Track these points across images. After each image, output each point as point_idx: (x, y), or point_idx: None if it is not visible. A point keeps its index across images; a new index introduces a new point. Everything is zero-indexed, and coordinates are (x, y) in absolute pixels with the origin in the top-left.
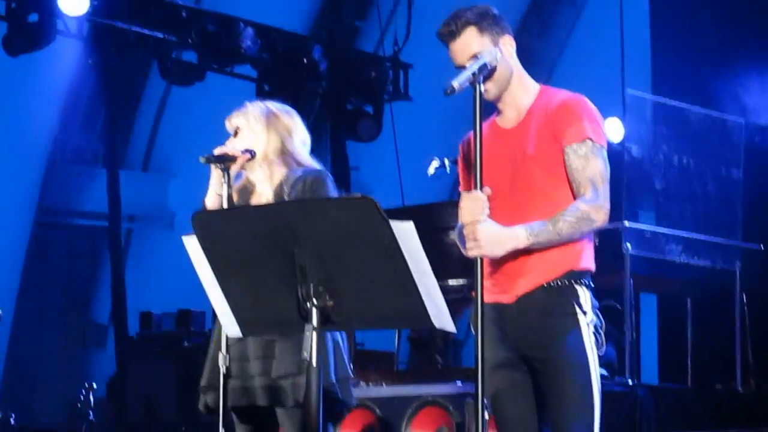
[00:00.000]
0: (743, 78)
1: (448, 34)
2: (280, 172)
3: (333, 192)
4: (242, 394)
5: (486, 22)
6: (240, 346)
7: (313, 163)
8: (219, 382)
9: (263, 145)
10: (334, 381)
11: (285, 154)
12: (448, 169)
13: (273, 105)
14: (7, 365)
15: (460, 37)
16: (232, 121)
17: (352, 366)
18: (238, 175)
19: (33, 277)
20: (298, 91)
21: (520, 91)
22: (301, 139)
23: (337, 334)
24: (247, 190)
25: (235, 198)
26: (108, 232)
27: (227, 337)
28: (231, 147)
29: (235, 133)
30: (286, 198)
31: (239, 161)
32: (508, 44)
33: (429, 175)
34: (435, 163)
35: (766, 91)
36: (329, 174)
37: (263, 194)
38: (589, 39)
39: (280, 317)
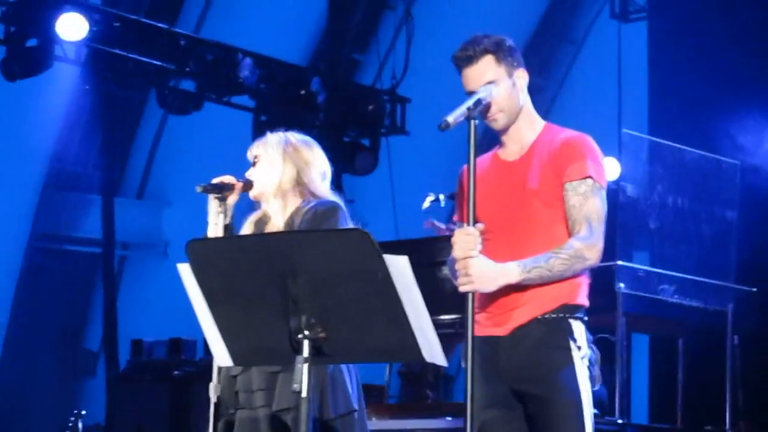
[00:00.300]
0: (739, 119)
1: (466, 59)
2: (293, 203)
3: (344, 224)
4: (249, 426)
5: (503, 52)
6: (245, 377)
7: (331, 196)
8: (228, 411)
9: (279, 175)
10: (333, 416)
11: (300, 185)
12: (442, 203)
13: (293, 136)
14: None
15: (477, 64)
16: (252, 151)
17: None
18: (256, 206)
19: (25, 303)
20: (296, 122)
21: (526, 126)
22: (319, 171)
23: (344, 366)
24: (262, 221)
25: (250, 229)
26: (102, 259)
27: (227, 368)
28: (229, 176)
29: (254, 163)
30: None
31: (237, 190)
32: (521, 77)
33: (423, 209)
34: (430, 198)
35: (762, 132)
36: (342, 207)
37: (275, 225)
38: (587, 77)
39: (271, 348)
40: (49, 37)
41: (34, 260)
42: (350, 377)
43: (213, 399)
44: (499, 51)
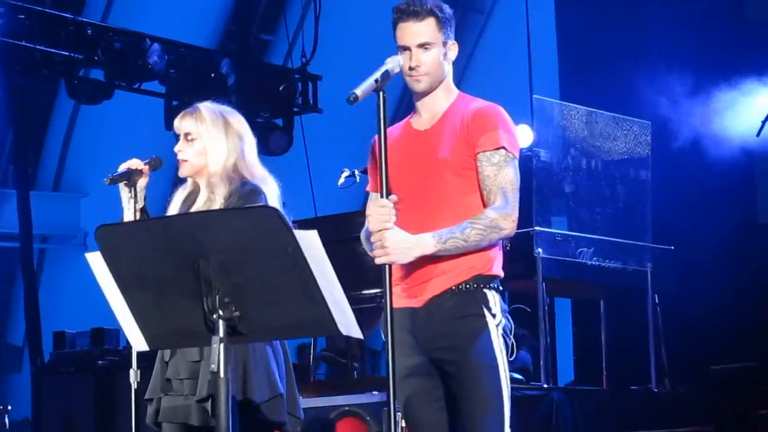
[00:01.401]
0: (648, 79)
1: (411, 14)
2: (230, 185)
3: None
4: (177, 412)
5: (445, 19)
6: (174, 363)
7: (265, 176)
8: (158, 395)
9: (222, 156)
10: (257, 401)
11: (237, 169)
12: (357, 178)
13: (222, 108)
14: None
15: (419, 22)
16: (183, 125)
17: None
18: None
19: None
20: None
21: (442, 97)
22: (253, 146)
23: (269, 350)
24: (191, 198)
25: (178, 207)
26: (20, 254)
27: (161, 354)
28: (134, 161)
29: (185, 138)
30: None
31: (146, 174)
32: (452, 49)
33: (339, 185)
34: (345, 173)
35: (671, 90)
36: (263, 190)
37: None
38: (497, 46)
39: (187, 330)
40: None
41: None
42: (275, 359)
43: (134, 385)
44: (442, 17)
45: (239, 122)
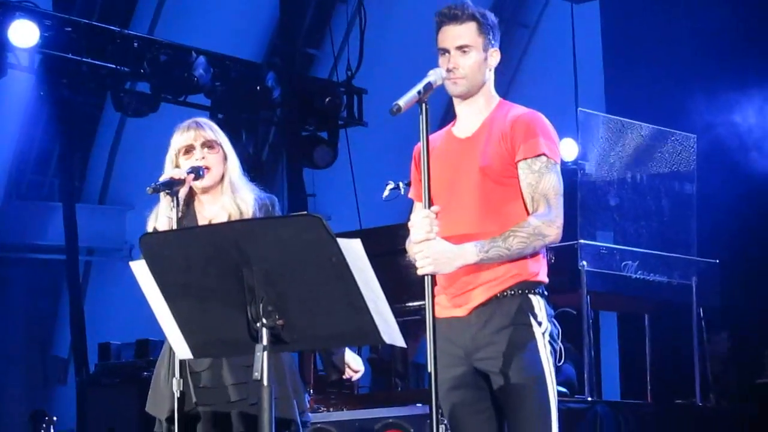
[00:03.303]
0: (693, 93)
1: (451, 17)
2: (244, 197)
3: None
4: (221, 420)
5: (487, 25)
6: (213, 372)
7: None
8: (182, 410)
9: (235, 164)
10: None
11: (242, 177)
12: (402, 191)
13: None
14: None
15: (460, 25)
16: (203, 135)
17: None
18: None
19: None
20: (253, 118)
21: (483, 104)
22: None
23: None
24: (193, 212)
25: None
26: (66, 266)
27: (186, 362)
28: (176, 170)
29: (208, 146)
30: None
31: (187, 183)
32: (494, 56)
33: (384, 198)
34: (390, 186)
35: (716, 104)
36: (276, 200)
37: (220, 218)
38: (542, 60)
39: (230, 338)
40: (0, 46)
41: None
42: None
43: (176, 394)
44: (484, 22)
45: None
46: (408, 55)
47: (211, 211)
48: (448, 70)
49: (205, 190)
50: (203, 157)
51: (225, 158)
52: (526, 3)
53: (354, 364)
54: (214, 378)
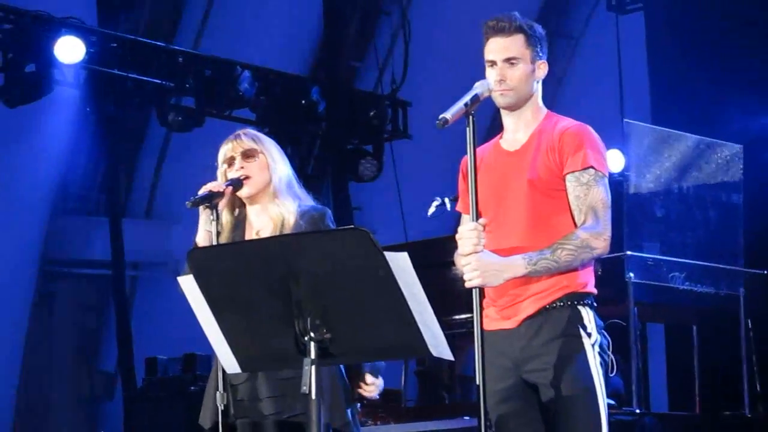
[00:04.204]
0: (740, 103)
1: (498, 29)
2: (289, 205)
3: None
4: None
5: (535, 37)
6: (250, 385)
7: (311, 199)
8: (225, 423)
9: (281, 174)
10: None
11: (291, 185)
12: (448, 206)
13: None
14: (16, 420)
15: (507, 37)
16: (243, 144)
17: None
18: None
19: (39, 329)
20: (298, 132)
21: (530, 116)
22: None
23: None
24: (240, 224)
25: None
26: (112, 281)
27: (227, 376)
28: (215, 183)
29: (247, 155)
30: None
31: (227, 195)
32: (542, 68)
33: (429, 215)
34: (435, 203)
35: (763, 115)
36: (329, 210)
37: (270, 228)
38: (587, 71)
39: (278, 352)
40: (47, 62)
41: (46, 286)
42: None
43: (221, 407)
44: (532, 35)
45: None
46: (452, 67)
47: (260, 221)
48: (496, 82)
49: (252, 200)
50: (242, 167)
51: (268, 166)
52: (571, 14)
53: (367, 378)
54: (250, 391)
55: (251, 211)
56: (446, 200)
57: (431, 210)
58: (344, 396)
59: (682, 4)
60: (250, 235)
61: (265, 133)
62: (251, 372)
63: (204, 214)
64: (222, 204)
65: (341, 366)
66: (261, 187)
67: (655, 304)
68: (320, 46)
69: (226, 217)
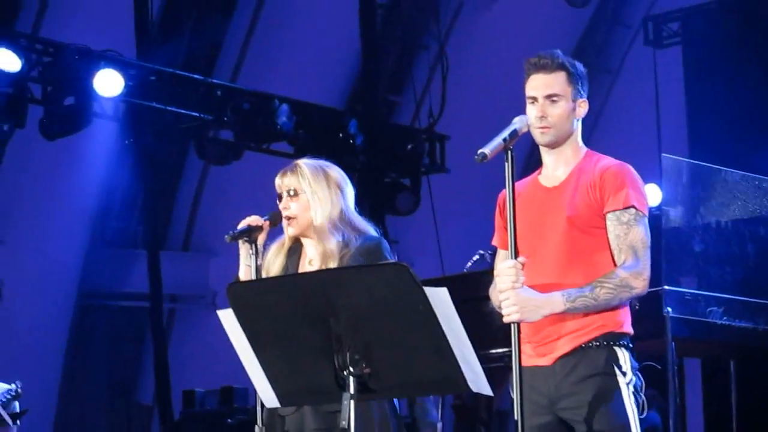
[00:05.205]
0: None
1: (541, 66)
2: (336, 238)
3: (388, 258)
4: None
5: (577, 76)
6: (297, 417)
7: (369, 227)
8: None
9: (326, 210)
10: None
11: (343, 218)
12: (488, 259)
13: (320, 162)
14: None
15: (550, 74)
16: (285, 182)
17: None
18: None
19: (77, 360)
20: (336, 165)
21: (570, 154)
22: (352, 198)
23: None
24: (295, 254)
25: (279, 260)
26: (150, 313)
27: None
28: (254, 217)
29: (290, 195)
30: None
31: (265, 230)
32: (582, 106)
33: (466, 269)
34: (475, 258)
35: None
36: (384, 240)
37: (321, 262)
38: (625, 106)
39: (317, 386)
40: (86, 95)
41: (84, 318)
42: (394, 419)
43: None
44: (574, 72)
45: (339, 174)
46: (489, 102)
47: (311, 251)
48: (537, 118)
49: (302, 234)
50: (286, 207)
51: (318, 204)
52: (608, 48)
53: None
54: (297, 423)
55: (306, 243)
56: (486, 254)
57: (469, 264)
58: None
59: (719, 38)
60: (304, 262)
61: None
62: (289, 406)
63: (243, 249)
64: (261, 238)
65: (396, 401)
66: (304, 226)
67: (692, 338)
68: (358, 79)
69: (286, 241)
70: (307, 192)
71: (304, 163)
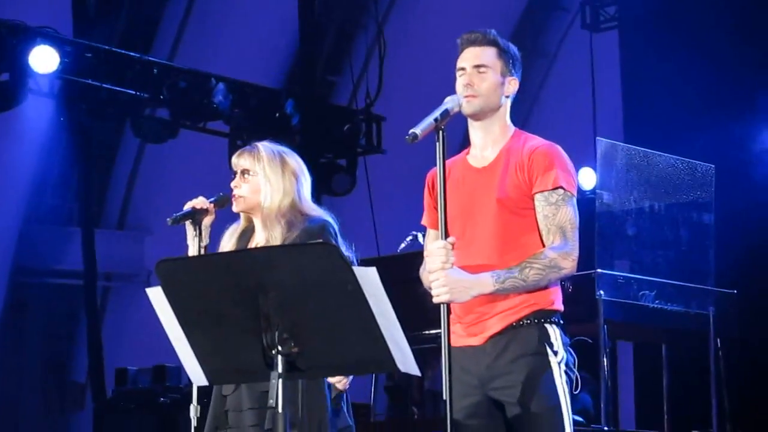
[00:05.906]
0: (712, 123)
1: (472, 40)
2: (286, 221)
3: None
4: None
5: (508, 53)
6: (236, 396)
7: (321, 212)
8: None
9: (278, 194)
10: None
11: (293, 203)
12: (421, 240)
13: (278, 147)
14: None
15: (480, 47)
16: (241, 162)
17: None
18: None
19: (10, 338)
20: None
21: (498, 132)
22: (308, 184)
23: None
24: (246, 235)
25: (232, 242)
26: (84, 291)
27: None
28: (200, 199)
29: (242, 174)
30: None
31: (211, 212)
32: (513, 84)
33: (399, 250)
34: (408, 238)
35: (735, 135)
36: (332, 223)
37: (268, 243)
38: (561, 90)
39: (246, 365)
40: (21, 71)
41: (17, 295)
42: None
43: (193, 422)
44: (505, 49)
45: (296, 162)
46: (427, 83)
47: (259, 235)
48: (464, 86)
49: (252, 214)
50: (237, 186)
51: (260, 188)
52: (546, 32)
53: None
54: (235, 402)
55: (255, 222)
56: (419, 235)
57: (402, 245)
58: (308, 412)
59: (656, 23)
60: (252, 245)
61: (239, 146)
62: (218, 384)
63: (189, 229)
64: (207, 220)
65: (326, 380)
66: (251, 207)
67: (624, 322)
68: (295, 59)
69: (242, 223)
70: (260, 175)
71: (262, 146)
